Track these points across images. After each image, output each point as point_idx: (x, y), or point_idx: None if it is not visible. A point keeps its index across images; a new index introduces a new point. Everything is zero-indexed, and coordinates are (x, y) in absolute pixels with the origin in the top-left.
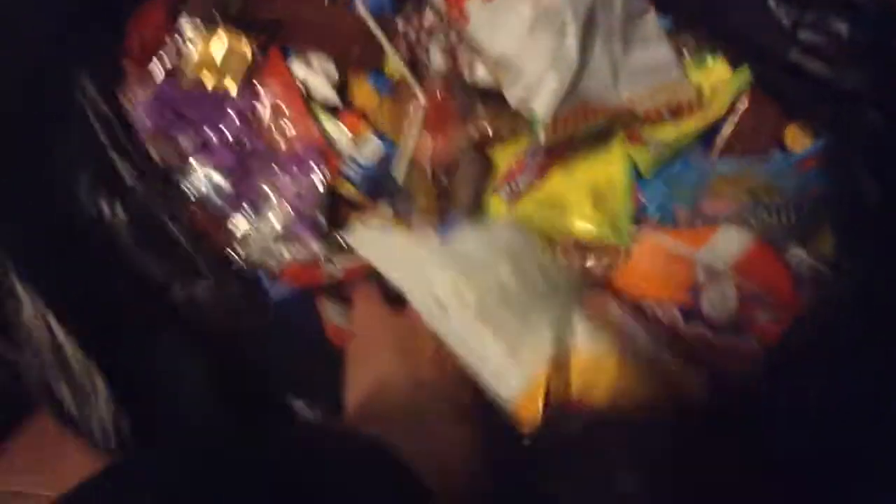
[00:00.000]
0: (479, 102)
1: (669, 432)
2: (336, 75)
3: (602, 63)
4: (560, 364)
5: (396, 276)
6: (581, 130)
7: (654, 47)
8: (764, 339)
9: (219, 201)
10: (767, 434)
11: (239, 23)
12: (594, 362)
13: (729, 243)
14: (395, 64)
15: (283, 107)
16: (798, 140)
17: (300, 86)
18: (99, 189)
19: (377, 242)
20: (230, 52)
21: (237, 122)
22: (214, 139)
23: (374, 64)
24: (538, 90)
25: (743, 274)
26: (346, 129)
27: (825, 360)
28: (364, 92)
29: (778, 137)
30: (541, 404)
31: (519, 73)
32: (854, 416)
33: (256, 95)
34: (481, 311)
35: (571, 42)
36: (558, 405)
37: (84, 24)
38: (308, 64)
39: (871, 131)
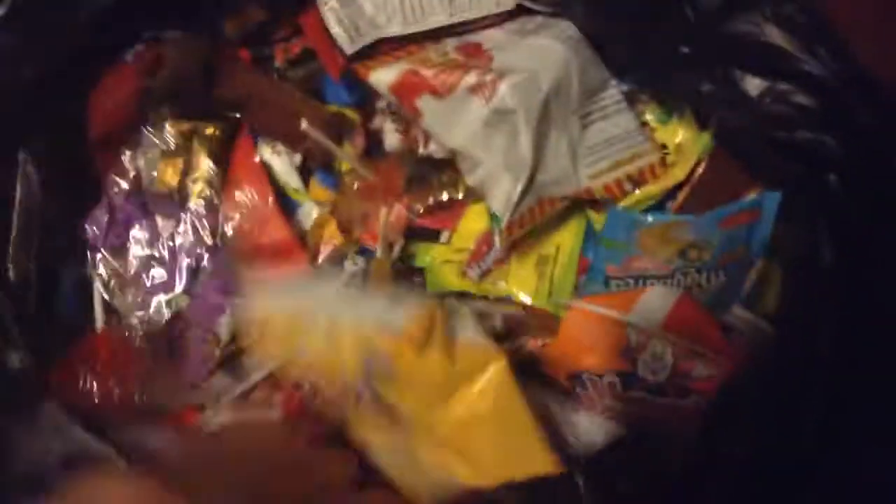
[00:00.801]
0: (433, 172)
1: None
2: (299, 159)
3: (560, 149)
4: None
5: None
6: (538, 223)
7: (614, 118)
8: (703, 396)
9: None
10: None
11: (204, 111)
12: None
13: (657, 301)
14: (346, 157)
15: (252, 202)
16: None
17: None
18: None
19: None
20: (198, 160)
21: (196, 233)
22: (167, 255)
23: (328, 157)
24: (494, 188)
25: (673, 330)
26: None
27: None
28: (317, 187)
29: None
30: None
31: (476, 163)
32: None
33: (221, 196)
34: None
35: (525, 143)
36: None
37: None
38: (273, 146)
39: (832, 196)
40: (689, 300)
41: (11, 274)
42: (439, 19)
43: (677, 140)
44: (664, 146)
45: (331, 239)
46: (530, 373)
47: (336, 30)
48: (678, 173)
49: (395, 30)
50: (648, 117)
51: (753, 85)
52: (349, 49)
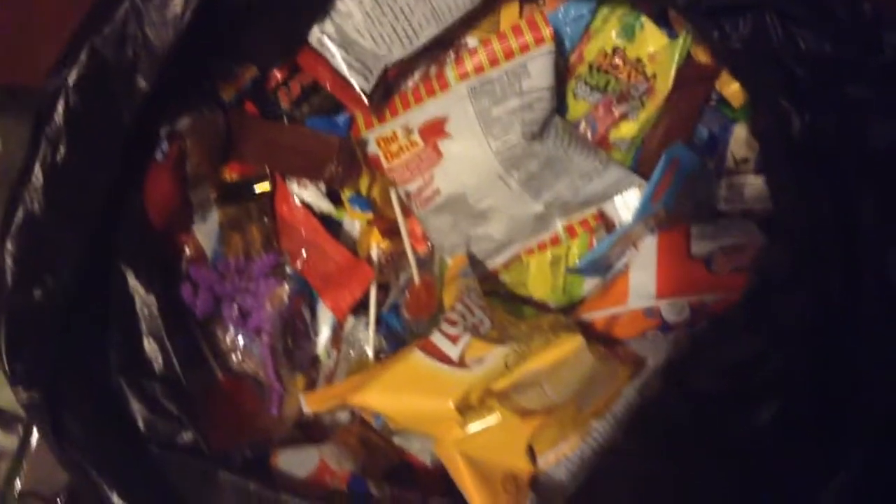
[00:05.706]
0: None
1: None
2: (324, 188)
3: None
4: None
5: None
6: None
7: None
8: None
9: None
10: None
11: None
12: None
13: (643, 277)
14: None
15: (307, 241)
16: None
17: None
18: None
19: None
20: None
21: (270, 280)
22: (251, 306)
23: (352, 181)
24: None
25: (667, 295)
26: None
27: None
28: (354, 212)
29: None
30: None
31: None
32: None
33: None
34: None
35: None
36: None
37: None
38: (299, 182)
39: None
40: (667, 243)
41: (156, 365)
42: (431, 32)
43: (650, 50)
44: (639, 60)
45: (378, 244)
46: None
47: (349, 73)
48: (662, 86)
49: (396, 55)
50: (616, 41)
51: None
52: (368, 88)
